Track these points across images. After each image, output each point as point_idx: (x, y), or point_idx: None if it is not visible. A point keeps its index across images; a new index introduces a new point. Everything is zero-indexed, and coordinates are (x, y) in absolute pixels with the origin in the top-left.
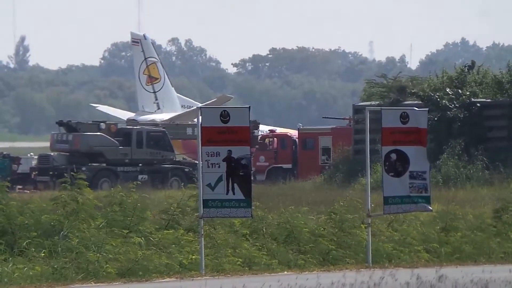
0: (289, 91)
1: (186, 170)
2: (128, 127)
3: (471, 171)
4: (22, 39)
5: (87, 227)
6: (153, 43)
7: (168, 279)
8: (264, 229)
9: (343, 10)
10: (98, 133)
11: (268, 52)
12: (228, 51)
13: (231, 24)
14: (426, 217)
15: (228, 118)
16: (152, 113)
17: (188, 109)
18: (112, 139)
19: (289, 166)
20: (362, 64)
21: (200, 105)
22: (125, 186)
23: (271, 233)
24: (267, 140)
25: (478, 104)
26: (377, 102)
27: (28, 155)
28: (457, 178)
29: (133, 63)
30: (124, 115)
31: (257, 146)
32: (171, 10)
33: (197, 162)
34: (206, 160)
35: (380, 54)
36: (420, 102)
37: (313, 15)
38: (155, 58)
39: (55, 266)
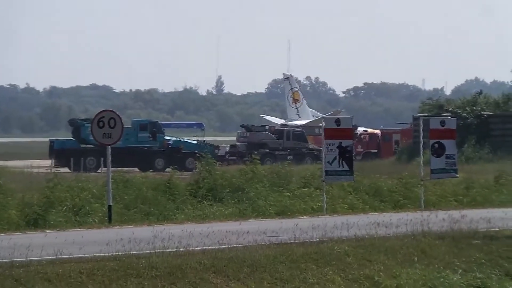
0: (375, 107)
1: (315, 153)
2: (281, 128)
3: (481, 154)
4: (219, 76)
5: (258, 186)
6: (296, 78)
7: (305, 217)
8: (361, 188)
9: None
10: (264, 132)
11: (363, 84)
12: (340, 81)
13: (343, 56)
14: (455, 180)
15: (339, 123)
16: (295, 120)
17: (316, 118)
18: (272, 135)
19: (375, 151)
20: (417, 92)
21: (323, 115)
22: (280, 163)
23: (365, 190)
24: (362, 136)
25: (485, 115)
26: (426, 114)
27: (222, 145)
28: (473, 158)
29: (284, 90)
30: (279, 121)
31: (356, 139)
32: (308, 54)
33: (321, 149)
34: (326, 147)
35: (428, 86)
36: (451, 114)
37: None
38: (297, 87)
39: (240, 209)
